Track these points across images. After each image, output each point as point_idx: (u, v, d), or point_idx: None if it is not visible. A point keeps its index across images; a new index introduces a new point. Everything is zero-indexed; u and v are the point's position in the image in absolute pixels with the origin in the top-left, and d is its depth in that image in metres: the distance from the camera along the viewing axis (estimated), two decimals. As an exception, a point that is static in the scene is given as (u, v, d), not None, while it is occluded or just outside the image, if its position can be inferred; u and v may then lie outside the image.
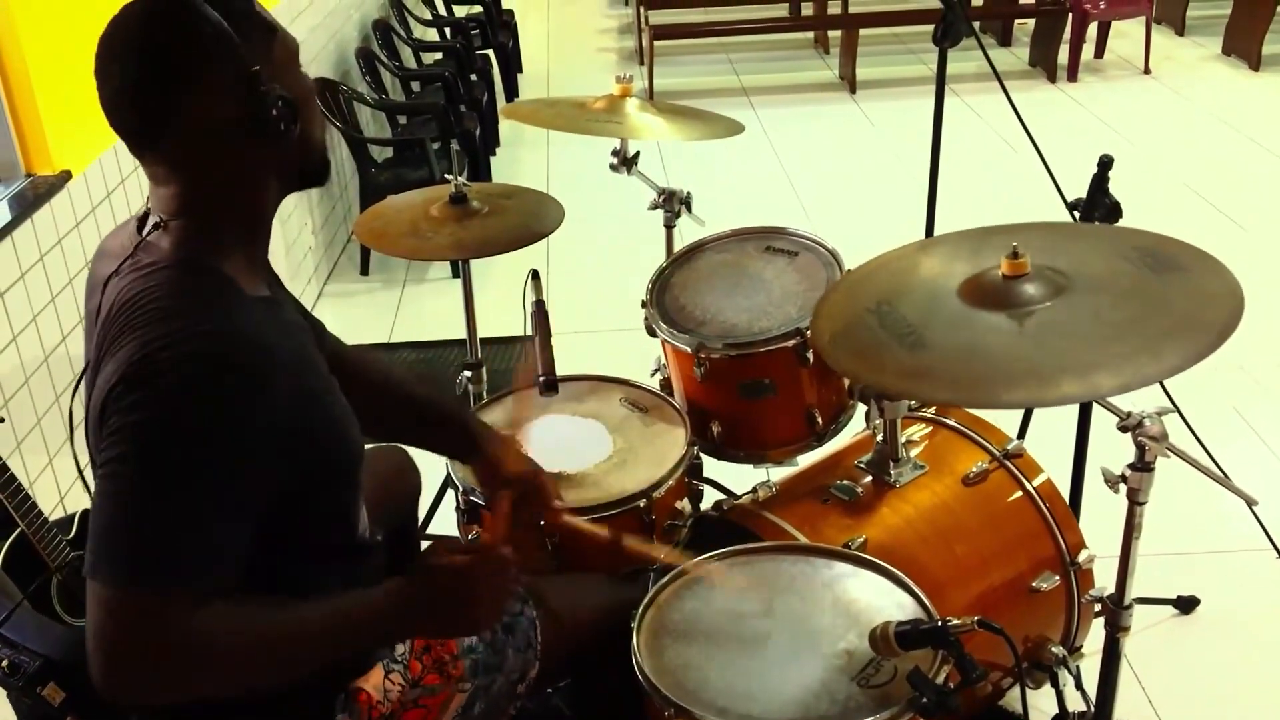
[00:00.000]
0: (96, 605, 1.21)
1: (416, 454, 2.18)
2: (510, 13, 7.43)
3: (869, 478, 2.10)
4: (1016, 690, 2.07)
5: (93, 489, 1.26)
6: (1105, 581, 1.93)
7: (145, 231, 1.39)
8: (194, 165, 1.36)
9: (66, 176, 2.86)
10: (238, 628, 1.28)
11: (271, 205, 1.45)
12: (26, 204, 2.72)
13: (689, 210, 2.68)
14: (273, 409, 1.29)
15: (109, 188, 3.08)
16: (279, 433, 1.30)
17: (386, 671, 1.55)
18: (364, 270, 4.80)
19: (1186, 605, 2.65)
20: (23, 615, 1.48)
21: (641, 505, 2.00)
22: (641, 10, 7.31)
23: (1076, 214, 2.20)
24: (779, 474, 2.26)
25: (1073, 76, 6.72)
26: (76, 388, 1.45)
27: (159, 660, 1.23)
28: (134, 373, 1.25)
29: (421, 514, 2.42)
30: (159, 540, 1.23)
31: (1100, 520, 2.18)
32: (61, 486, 2.78)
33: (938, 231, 2.28)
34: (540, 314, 2.19)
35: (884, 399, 2.05)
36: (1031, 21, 7.23)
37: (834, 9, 7.41)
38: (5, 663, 1.40)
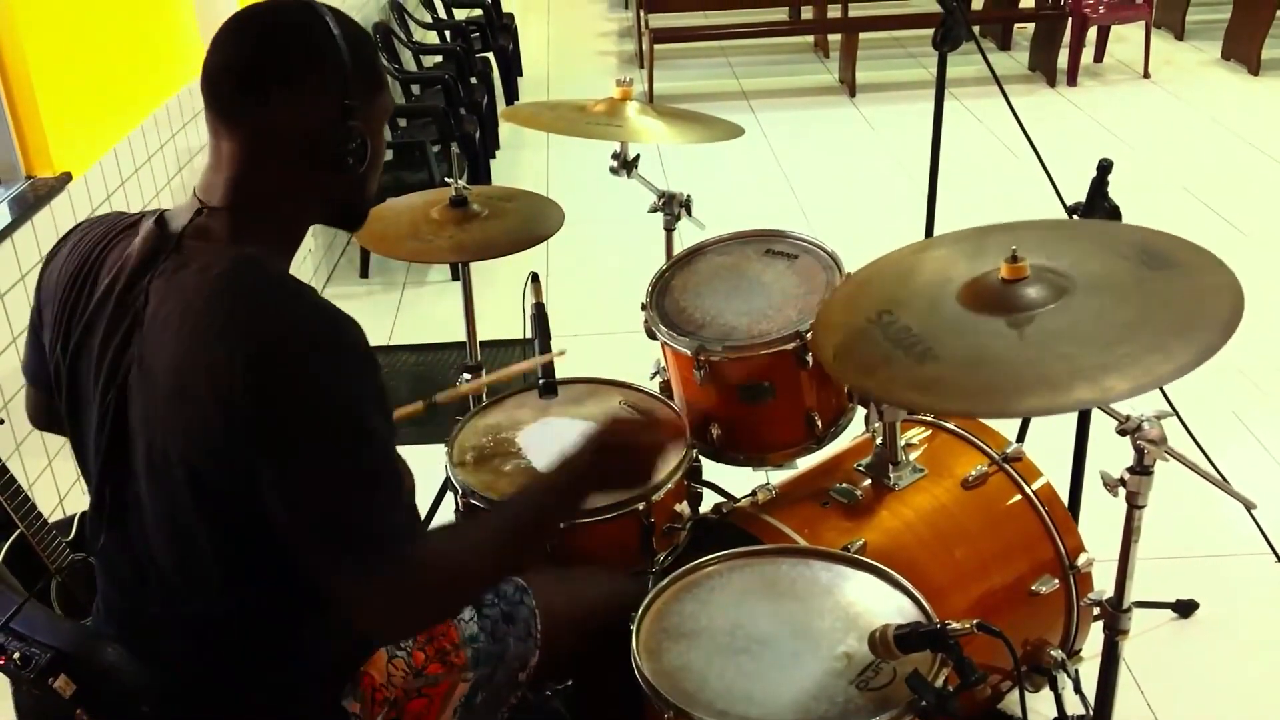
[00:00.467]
0: (364, 592, 1.30)
1: (413, 456, 2.18)
2: (510, 16, 7.44)
3: (868, 481, 2.10)
4: (1015, 694, 2.07)
5: (285, 489, 1.29)
6: (1104, 585, 1.93)
7: (192, 219, 1.39)
8: (261, 158, 1.39)
9: (67, 179, 2.86)
10: (456, 547, 1.41)
11: (307, 227, 1.48)
12: (27, 206, 2.72)
13: (689, 213, 2.68)
14: (375, 371, 1.35)
15: (109, 190, 3.08)
16: (379, 394, 1.36)
17: (390, 657, 1.57)
18: (364, 273, 4.80)
19: (1185, 609, 2.65)
20: (33, 609, 1.48)
21: (640, 508, 2.00)
22: (641, 14, 7.32)
23: (1076, 218, 2.20)
24: (778, 477, 2.26)
25: (1072, 81, 6.73)
26: (109, 394, 1.43)
27: (436, 602, 1.37)
28: (273, 369, 1.27)
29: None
30: (389, 504, 1.31)
31: (1099, 524, 2.18)
32: (61, 489, 2.78)
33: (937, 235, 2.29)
34: (540, 317, 2.19)
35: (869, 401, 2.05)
36: (1031, 26, 7.24)
37: (834, 13, 7.41)
38: (17, 655, 1.41)
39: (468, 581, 1.41)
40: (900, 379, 1.59)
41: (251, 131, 1.38)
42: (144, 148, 3.27)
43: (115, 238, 1.47)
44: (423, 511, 2.47)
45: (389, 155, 5.25)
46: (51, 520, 2.18)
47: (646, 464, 1.54)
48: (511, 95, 6.97)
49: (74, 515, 2.29)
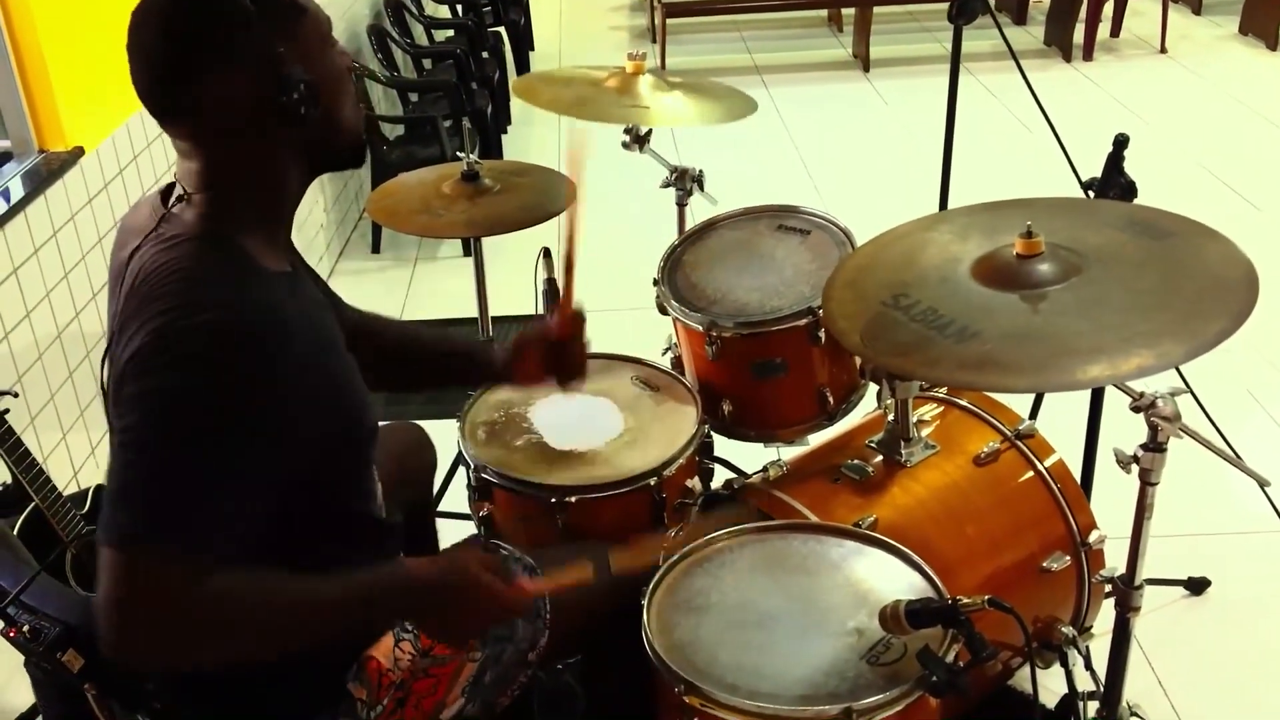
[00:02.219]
0: (106, 569, 1.22)
1: (429, 430, 2.19)
2: (522, -10, 7.40)
3: (880, 457, 2.09)
4: (1026, 670, 2.07)
5: (109, 454, 1.28)
6: (1115, 562, 1.93)
7: (170, 204, 1.40)
8: (216, 142, 1.38)
9: (79, 153, 2.86)
10: (246, 596, 1.28)
11: (296, 185, 1.46)
12: (40, 180, 2.72)
13: (701, 188, 2.67)
14: (286, 382, 1.30)
15: (121, 164, 3.08)
16: (293, 406, 1.31)
17: (397, 640, 1.57)
18: (375, 248, 4.80)
19: (1197, 586, 2.65)
20: (43, 583, 1.50)
21: (652, 484, 2.01)
22: (654, -13, 7.28)
23: (1092, 193, 2.19)
24: (790, 453, 2.26)
25: (1088, 55, 6.67)
26: (104, 363, 1.46)
27: (165, 626, 1.23)
28: (150, 343, 1.27)
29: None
30: (167, 506, 1.24)
31: (1111, 501, 2.18)
32: (75, 461, 2.79)
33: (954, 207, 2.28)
34: (552, 292, 2.19)
35: (895, 379, 2.04)
36: (1047, 0, 7.18)
37: (848, -13, 7.36)
38: (26, 628, 1.42)
39: (231, 624, 1.28)
40: (945, 360, 1.56)
41: (196, 121, 1.37)
42: (156, 122, 3.26)
43: (138, 208, 1.50)
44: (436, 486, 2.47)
45: (400, 129, 5.24)
46: (66, 493, 2.20)
47: (477, 625, 1.48)
48: (523, 69, 6.94)
49: (89, 488, 2.30)
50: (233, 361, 1.27)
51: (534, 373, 1.88)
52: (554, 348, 1.85)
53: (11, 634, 1.45)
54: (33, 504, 2.13)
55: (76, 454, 2.79)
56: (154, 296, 1.30)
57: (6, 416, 2.08)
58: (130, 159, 3.13)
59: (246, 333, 1.28)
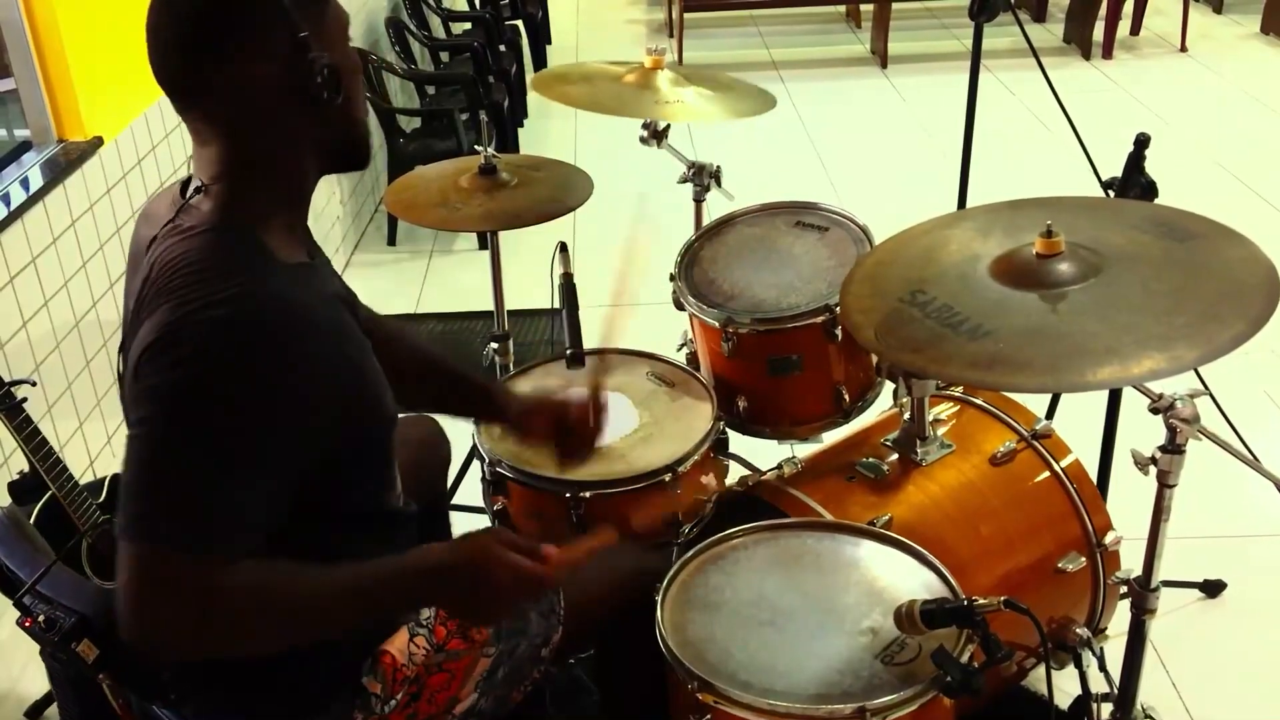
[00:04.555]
0: (125, 563, 1.23)
1: (443, 424, 2.19)
2: (540, -17, 7.40)
3: (895, 456, 2.09)
4: (1040, 670, 2.06)
5: (125, 448, 1.28)
6: (1131, 563, 1.92)
7: (188, 196, 1.40)
8: (236, 126, 1.37)
9: (98, 142, 2.87)
10: (264, 587, 1.28)
11: (311, 176, 1.45)
12: (59, 170, 2.73)
13: (718, 184, 2.66)
14: (303, 374, 1.30)
15: (140, 154, 3.09)
16: (309, 398, 1.31)
17: (411, 635, 1.57)
18: (391, 240, 4.81)
19: (1213, 589, 2.63)
20: (59, 573, 1.50)
21: (667, 479, 2.00)
22: (672, -18, 7.27)
23: (1112, 193, 2.18)
24: (804, 450, 2.26)
25: (1108, 54, 6.64)
26: (120, 353, 1.47)
27: (185, 618, 1.24)
28: (166, 335, 1.26)
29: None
30: (185, 501, 1.24)
31: (1128, 502, 2.17)
32: (92, 450, 2.81)
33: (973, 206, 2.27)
34: (568, 287, 2.19)
35: (912, 378, 2.04)
36: (1067, -3, 7.15)
37: (866, -17, 7.34)
38: (41, 618, 1.43)
39: (250, 615, 1.28)
40: (956, 358, 1.55)
41: (216, 104, 1.36)
42: (175, 112, 3.27)
43: (159, 198, 1.50)
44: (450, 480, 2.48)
45: (417, 122, 5.25)
46: (83, 482, 2.21)
47: (506, 601, 1.43)
48: (540, 63, 6.94)
49: (105, 477, 2.31)
50: (247, 354, 1.27)
51: (541, 435, 1.86)
52: (568, 426, 1.82)
53: (27, 624, 1.45)
54: (49, 492, 2.14)
55: (93, 443, 2.80)
56: (169, 289, 1.30)
57: (24, 405, 2.09)
58: (149, 149, 3.13)
59: (261, 324, 1.28)
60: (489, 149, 2.54)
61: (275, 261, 1.36)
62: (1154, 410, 1.66)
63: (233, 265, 1.32)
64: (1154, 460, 1.70)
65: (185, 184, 1.44)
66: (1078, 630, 2.05)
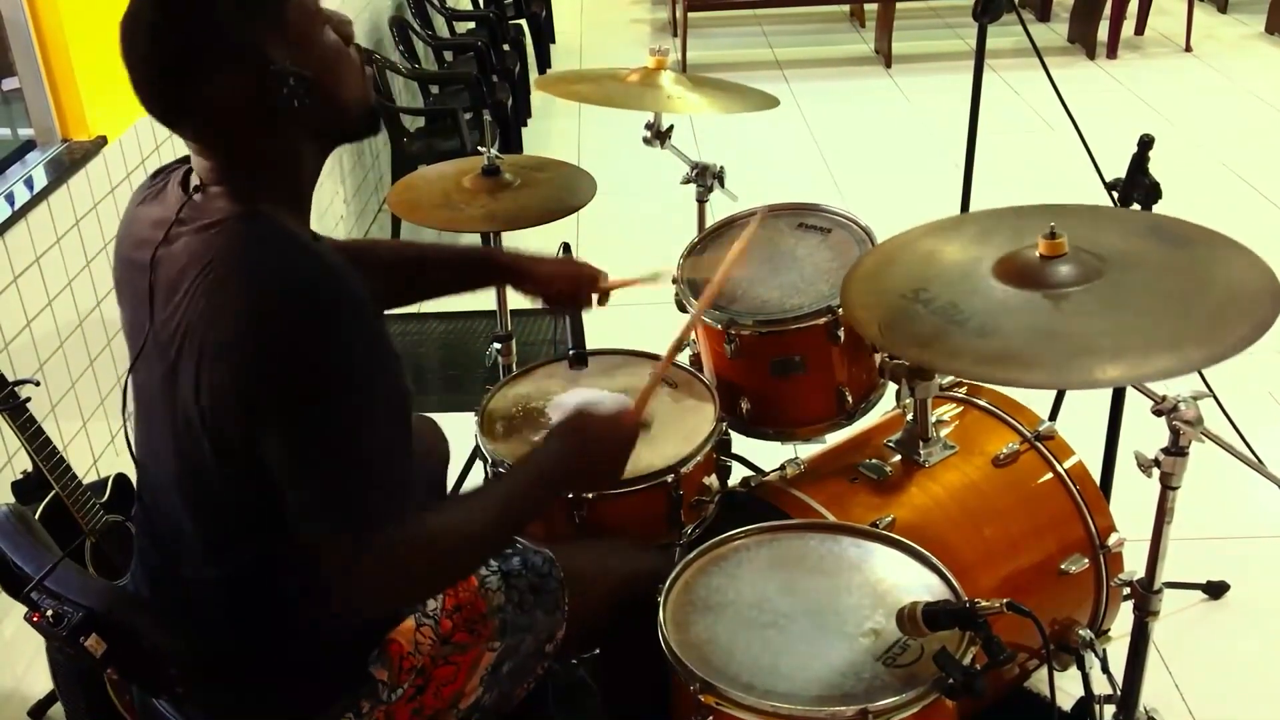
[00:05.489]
0: (341, 554, 1.30)
1: (443, 424, 2.19)
2: (544, -18, 7.39)
3: (898, 457, 2.09)
4: (1043, 672, 2.06)
5: (272, 447, 1.29)
6: (1134, 565, 1.91)
7: (190, 194, 1.41)
8: (223, 141, 1.38)
9: (102, 142, 2.87)
10: (455, 523, 1.42)
11: (312, 163, 1.46)
12: (62, 169, 2.74)
13: (722, 185, 2.66)
14: (377, 331, 1.36)
15: (144, 153, 3.10)
16: (392, 350, 1.39)
17: (418, 624, 1.58)
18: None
19: (1216, 591, 2.63)
20: (66, 568, 1.50)
21: (669, 480, 2.00)
22: (676, -19, 7.27)
23: (1115, 194, 2.17)
24: (807, 451, 2.26)
25: (1112, 54, 6.63)
26: (133, 367, 1.46)
27: (415, 577, 1.38)
28: (259, 319, 1.27)
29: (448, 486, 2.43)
30: (375, 477, 1.31)
31: (1131, 503, 2.16)
32: (96, 450, 2.81)
33: (973, 211, 2.27)
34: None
35: (915, 379, 2.03)
36: (1071, -3, 7.14)
37: (870, -18, 7.33)
38: (50, 612, 1.43)
39: (455, 566, 1.45)
40: (965, 353, 1.56)
41: (201, 122, 1.37)
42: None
43: (147, 201, 1.50)
44: (451, 480, 2.48)
45: (421, 121, 5.25)
46: (86, 481, 2.21)
47: (616, 454, 1.61)
48: (544, 62, 6.94)
49: (108, 477, 2.32)
50: (351, 322, 1.30)
51: (545, 287, 1.98)
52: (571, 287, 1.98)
53: (35, 619, 1.46)
54: (53, 492, 2.14)
55: (97, 442, 2.81)
56: (223, 285, 1.30)
57: (28, 405, 2.10)
58: (153, 148, 3.14)
59: (341, 290, 1.32)
60: (492, 149, 2.54)
61: (307, 239, 1.39)
62: (1157, 412, 1.66)
63: (281, 241, 1.35)
64: (1157, 462, 1.69)
65: (185, 182, 1.44)
66: (1080, 632, 2.05)
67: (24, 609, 1.48)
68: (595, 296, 2.01)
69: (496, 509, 1.47)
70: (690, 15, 7.10)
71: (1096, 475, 2.22)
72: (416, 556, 1.36)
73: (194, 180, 1.42)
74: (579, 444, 1.57)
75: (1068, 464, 2.10)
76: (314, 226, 1.52)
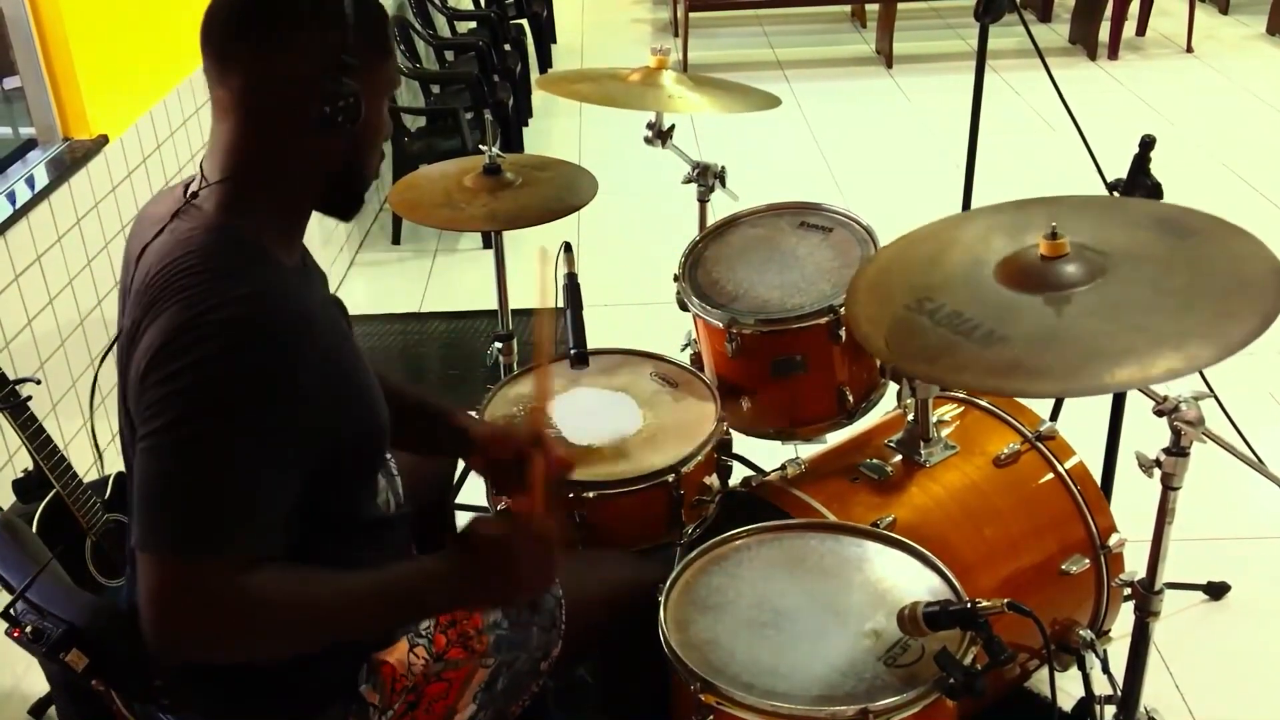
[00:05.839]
0: (148, 574, 1.23)
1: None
2: (545, -18, 7.39)
3: (899, 457, 2.09)
4: (1043, 672, 2.06)
5: (136, 457, 1.28)
6: (1135, 565, 1.91)
7: (189, 192, 1.40)
8: (254, 115, 1.36)
9: (104, 141, 2.87)
10: (285, 592, 1.30)
11: (309, 196, 1.44)
12: (64, 168, 2.74)
13: (723, 184, 2.66)
14: (310, 374, 1.30)
15: (145, 153, 3.10)
16: (315, 399, 1.31)
17: (411, 645, 1.56)
18: (395, 239, 4.81)
19: (1216, 591, 2.63)
20: (49, 582, 1.49)
21: (670, 480, 2.00)
22: (677, -19, 7.27)
23: (1117, 194, 2.17)
24: (808, 451, 2.26)
25: (1114, 54, 6.63)
26: (106, 354, 1.47)
27: (211, 624, 1.26)
28: (174, 339, 1.26)
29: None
30: (205, 509, 1.25)
31: (1132, 503, 2.16)
32: (98, 448, 2.80)
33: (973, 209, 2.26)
34: (573, 287, 2.19)
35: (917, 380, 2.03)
36: (1073, -3, 7.14)
37: (872, -18, 7.33)
38: (29, 629, 1.42)
39: (273, 619, 1.29)
40: (973, 366, 1.54)
41: (244, 84, 1.35)
42: (180, 110, 3.27)
43: (156, 200, 1.50)
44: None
45: (422, 121, 5.25)
46: (87, 480, 2.21)
47: (531, 578, 1.45)
48: (545, 62, 6.94)
49: (109, 476, 2.31)
50: (261, 354, 1.27)
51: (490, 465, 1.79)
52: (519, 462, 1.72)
53: (15, 634, 1.44)
54: (54, 491, 2.14)
55: (98, 441, 2.80)
56: (171, 291, 1.30)
57: (29, 403, 2.09)
58: (154, 147, 3.14)
59: (273, 325, 1.28)
60: (493, 148, 2.54)
61: (274, 263, 1.37)
62: (1158, 412, 1.66)
63: (239, 266, 1.32)
64: (1158, 462, 1.69)
65: (186, 186, 1.44)
66: (1081, 632, 2.05)
67: (5, 622, 1.47)
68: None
69: (343, 597, 1.35)
70: (691, 15, 7.10)
71: (1097, 475, 2.22)
72: (226, 602, 1.25)
73: (196, 179, 1.42)
74: (468, 567, 1.40)
75: (1069, 464, 2.10)
76: (315, 227, 1.52)
